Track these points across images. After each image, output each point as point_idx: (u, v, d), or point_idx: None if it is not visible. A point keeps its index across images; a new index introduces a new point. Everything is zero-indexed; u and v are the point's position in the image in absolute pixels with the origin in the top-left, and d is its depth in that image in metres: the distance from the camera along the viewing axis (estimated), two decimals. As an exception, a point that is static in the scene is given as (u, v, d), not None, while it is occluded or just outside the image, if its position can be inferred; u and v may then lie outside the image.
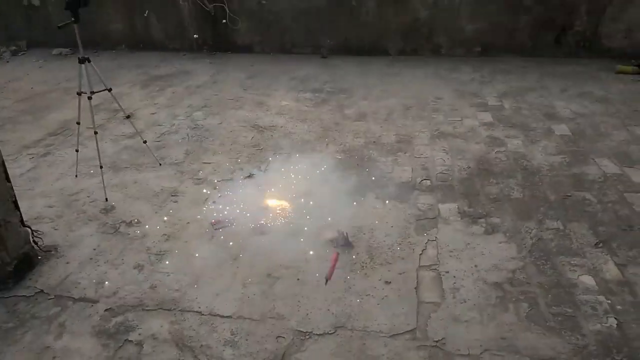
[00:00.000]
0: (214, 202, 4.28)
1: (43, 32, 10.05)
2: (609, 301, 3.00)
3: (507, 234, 3.63)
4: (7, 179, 3.38)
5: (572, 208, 3.93)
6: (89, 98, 4.38)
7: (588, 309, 2.95)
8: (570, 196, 4.09)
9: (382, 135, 5.37)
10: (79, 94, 4.54)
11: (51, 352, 2.89)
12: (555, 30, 7.53)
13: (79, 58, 4.35)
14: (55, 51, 10.07)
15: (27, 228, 3.60)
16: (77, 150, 4.86)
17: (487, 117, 5.73)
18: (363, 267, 3.39)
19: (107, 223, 4.10)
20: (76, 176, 4.93)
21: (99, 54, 9.11)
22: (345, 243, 3.54)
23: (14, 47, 10.27)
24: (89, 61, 4.38)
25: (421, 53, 8.14)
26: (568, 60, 7.47)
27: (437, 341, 2.79)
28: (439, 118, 5.77)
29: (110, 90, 4.57)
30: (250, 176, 4.64)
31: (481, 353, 2.70)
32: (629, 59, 7.09)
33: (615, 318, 2.87)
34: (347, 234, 3.59)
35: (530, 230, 3.67)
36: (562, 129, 5.34)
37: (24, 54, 10.09)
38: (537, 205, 3.99)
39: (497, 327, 2.86)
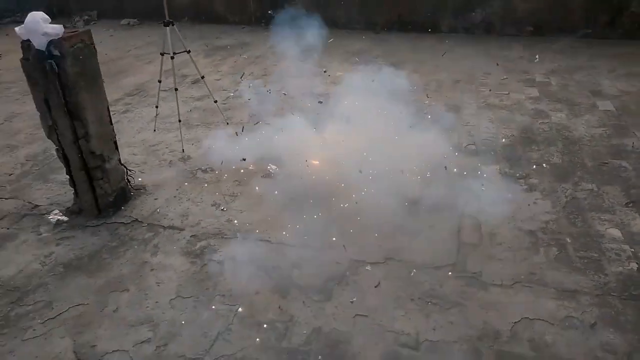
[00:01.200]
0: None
1: (112, 3, 10.81)
2: (633, 250, 3.36)
3: (544, 192, 4.00)
4: (110, 122, 3.99)
5: (607, 173, 4.25)
6: (172, 58, 4.96)
7: (612, 255, 3.32)
8: (607, 163, 4.40)
9: (432, 105, 5.74)
10: (162, 54, 5.12)
11: (149, 265, 3.49)
12: (611, 12, 7.62)
13: (164, 22, 4.91)
14: (123, 21, 10.82)
15: (123, 166, 4.22)
16: (156, 107, 5.45)
17: (534, 92, 6.02)
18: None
19: (185, 169, 4.69)
20: (155, 130, 5.54)
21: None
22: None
23: (86, 17, 11.07)
24: (173, 24, 4.94)
25: (472, 31, 8.38)
26: (621, 41, 7.57)
27: (474, 273, 3.23)
28: (486, 92, 6.09)
29: (189, 52, 5.13)
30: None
31: (512, 284, 3.13)
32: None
33: (636, 263, 3.24)
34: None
35: (565, 190, 4.02)
36: (606, 104, 5.58)
37: (95, 23, 10.85)
38: (574, 169, 4.32)
39: (528, 265, 3.28)
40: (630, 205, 3.81)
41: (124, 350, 2.83)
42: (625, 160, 4.44)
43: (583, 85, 6.17)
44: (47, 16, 3.47)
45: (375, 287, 3.14)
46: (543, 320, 2.86)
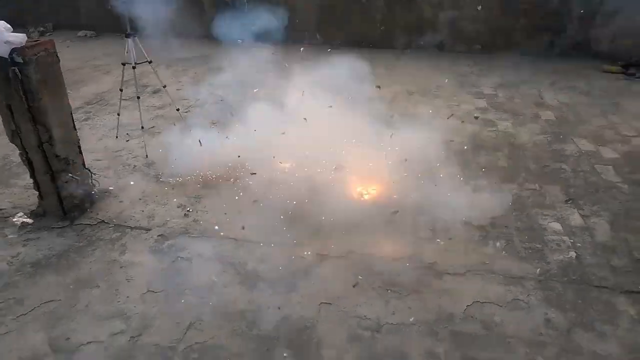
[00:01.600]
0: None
1: (68, 15, 10.74)
2: (572, 240, 3.69)
3: (492, 192, 4.31)
4: (74, 126, 4.05)
5: (549, 175, 4.62)
6: (133, 68, 5.06)
7: (554, 245, 3.64)
8: (548, 166, 4.78)
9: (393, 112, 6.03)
10: (124, 64, 5.20)
11: (118, 263, 3.56)
12: (550, 33, 8.21)
13: (125, 34, 5.01)
14: (80, 33, 10.74)
15: (87, 170, 4.27)
16: (118, 114, 5.52)
17: (482, 103, 6.42)
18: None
19: (149, 174, 4.77)
20: (117, 137, 5.58)
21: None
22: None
23: (41, 28, 10.92)
24: (135, 37, 5.05)
25: (425, 48, 8.82)
26: (560, 59, 8.14)
27: (430, 263, 3.47)
28: (439, 102, 6.45)
29: (150, 62, 5.24)
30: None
31: (464, 272, 3.39)
32: (615, 60, 7.77)
33: (575, 252, 3.57)
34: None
35: (511, 190, 4.35)
36: (547, 114, 6.03)
37: (50, 34, 10.72)
38: (519, 172, 4.67)
39: (479, 256, 3.55)
40: (570, 202, 4.17)
41: (99, 342, 2.91)
42: (565, 163, 4.83)
43: (527, 97, 6.62)
44: (9, 25, 3.52)
45: (354, 286, 3.30)
46: (492, 303, 3.12)
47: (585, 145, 5.20)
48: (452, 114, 5.94)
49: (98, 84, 7.46)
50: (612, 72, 7.46)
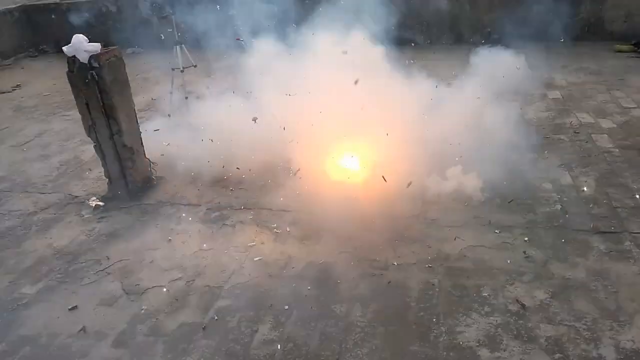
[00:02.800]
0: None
1: (120, 34, 11.84)
2: (559, 196, 4.23)
3: (494, 162, 4.84)
4: (137, 120, 4.89)
5: (548, 145, 5.13)
6: (182, 71, 5.91)
7: (542, 200, 4.19)
8: (548, 137, 5.28)
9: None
10: (173, 69, 6.06)
11: (175, 231, 4.34)
12: (563, 17, 8.59)
13: (175, 41, 5.86)
14: (129, 50, 11.82)
15: (148, 159, 5.10)
16: (169, 115, 6.36)
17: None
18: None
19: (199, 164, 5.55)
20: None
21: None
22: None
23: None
24: (182, 45, 5.90)
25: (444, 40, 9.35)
26: (574, 42, 8.50)
27: (433, 220, 4.09)
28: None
29: (195, 66, 6.07)
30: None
31: (461, 225, 3.99)
32: (629, 40, 8.10)
33: (560, 205, 4.10)
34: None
35: (511, 159, 4.88)
36: (555, 94, 6.51)
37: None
38: (520, 144, 5.18)
39: (477, 212, 4.14)
40: (563, 166, 4.69)
41: (161, 286, 3.67)
42: (565, 135, 5.33)
43: (538, 79, 7.07)
44: (86, 37, 4.40)
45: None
46: (483, 246, 3.72)
47: (586, 118, 5.67)
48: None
49: (149, 93, 8.38)
50: (624, 52, 7.80)
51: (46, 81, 9.65)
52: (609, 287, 3.22)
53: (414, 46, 8.26)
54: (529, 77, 6.99)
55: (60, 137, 6.87)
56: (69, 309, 3.52)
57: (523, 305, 3.12)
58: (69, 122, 7.42)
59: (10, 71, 10.96)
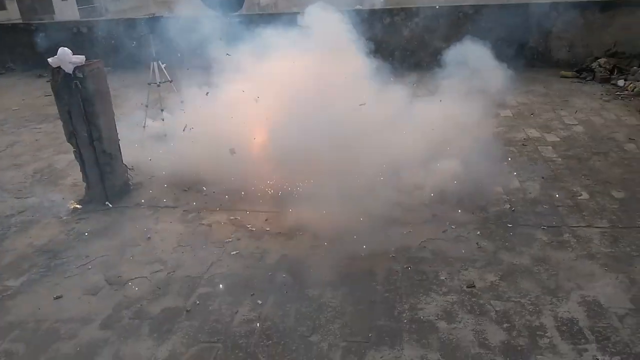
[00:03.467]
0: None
1: (90, 54, 11.98)
2: (508, 197, 4.69)
3: (450, 171, 5.29)
4: (115, 128, 5.13)
5: (500, 156, 5.61)
6: (158, 86, 6.18)
7: (494, 201, 4.64)
8: (500, 150, 5.79)
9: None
10: (149, 83, 6.33)
11: (153, 230, 4.57)
12: (514, 46, 9.33)
13: (152, 57, 6.16)
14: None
15: (125, 165, 5.32)
16: (144, 126, 6.60)
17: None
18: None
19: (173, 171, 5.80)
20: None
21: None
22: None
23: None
24: (158, 60, 6.20)
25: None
26: (524, 68, 9.21)
27: (396, 218, 4.46)
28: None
29: (171, 81, 6.37)
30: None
31: (423, 222, 4.37)
32: (572, 67, 8.87)
33: (509, 205, 4.56)
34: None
35: (467, 168, 5.33)
36: (506, 112, 7.09)
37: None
38: (475, 157, 5.65)
39: (434, 211, 4.54)
40: (512, 172, 5.18)
41: (143, 277, 3.89)
42: (514, 147, 5.85)
43: (490, 100, 7.65)
44: (70, 50, 4.65)
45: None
46: (441, 239, 4.11)
47: (533, 133, 6.23)
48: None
49: (120, 109, 8.57)
50: (568, 77, 8.54)
51: (14, 96, 9.72)
52: (550, 270, 3.65)
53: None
54: (484, 98, 7.60)
55: (33, 148, 6.98)
56: (54, 298, 3.69)
57: (473, 286, 3.50)
58: (41, 134, 7.55)
59: (-23, 86, 10.97)
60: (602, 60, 8.37)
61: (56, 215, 4.97)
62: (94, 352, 3.16)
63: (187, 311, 3.46)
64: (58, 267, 4.09)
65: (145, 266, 4.03)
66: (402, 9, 9.91)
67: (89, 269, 4.06)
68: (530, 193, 4.77)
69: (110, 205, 5.00)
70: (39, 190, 5.55)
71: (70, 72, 4.59)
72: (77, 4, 24.21)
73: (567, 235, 4.06)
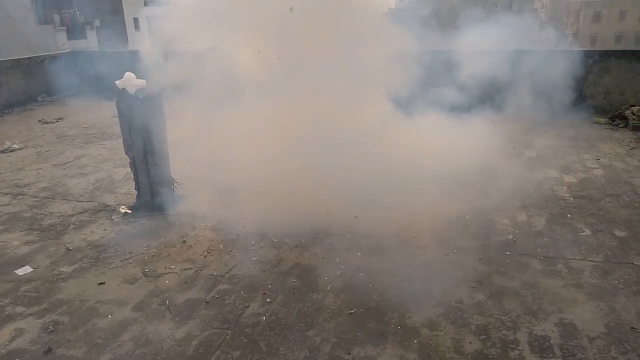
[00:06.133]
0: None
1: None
2: (513, 229, 5.01)
3: (464, 201, 5.67)
4: (166, 145, 5.84)
5: (515, 192, 5.93)
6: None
7: (499, 232, 4.97)
8: (516, 186, 6.10)
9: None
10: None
11: (189, 235, 5.19)
12: (549, 93, 9.58)
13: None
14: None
15: (172, 178, 6.01)
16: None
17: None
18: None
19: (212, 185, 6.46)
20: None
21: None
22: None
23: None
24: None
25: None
26: (559, 114, 9.44)
27: (405, 239, 4.88)
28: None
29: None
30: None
31: (426, 245, 4.76)
32: (607, 113, 9.03)
33: (512, 236, 4.88)
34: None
35: (480, 200, 5.70)
36: (531, 153, 7.38)
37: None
38: (491, 190, 6.02)
39: (439, 236, 4.92)
40: (522, 207, 5.49)
41: (174, 273, 4.48)
42: (531, 184, 6.15)
43: (520, 142, 7.97)
44: (134, 74, 5.44)
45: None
46: (441, 260, 4.48)
47: (551, 173, 6.51)
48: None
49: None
50: (601, 123, 8.71)
51: (85, 116, 10.84)
52: (536, 294, 3.96)
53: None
54: (513, 140, 7.94)
55: (96, 160, 7.88)
56: (98, 284, 4.34)
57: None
58: (105, 149, 8.47)
59: (53, 106, 12.29)
60: (635, 109, 8.51)
61: (109, 218, 5.70)
62: (124, 328, 3.74)
63: (207, 302, 4.00)
64: (105, 260, 4.75)
65: (178, 264, 4.62)
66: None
67: (130, 262, 4.70)
68: (535, 227, 5.07)
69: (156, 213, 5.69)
70: (97, 196, 6.34)
71: (133, 93, 5.36)
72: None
73: (561, 265, 4.35)
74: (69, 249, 4.96)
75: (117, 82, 5.42)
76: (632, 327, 3.54)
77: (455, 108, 7.97)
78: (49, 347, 3.54)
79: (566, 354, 3.31)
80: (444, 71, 8.64)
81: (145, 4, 25.74)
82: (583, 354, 3.31)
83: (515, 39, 9.18)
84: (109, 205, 6.03)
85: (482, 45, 8.93)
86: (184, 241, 5.07)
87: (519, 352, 3.35)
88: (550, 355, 3.31)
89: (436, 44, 10.00)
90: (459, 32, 9.51)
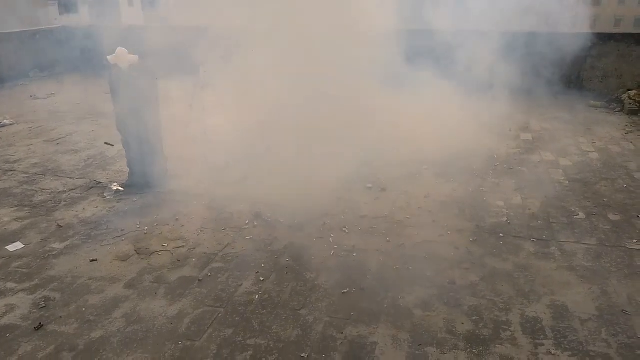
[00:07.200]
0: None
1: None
2: (507, 211, 5.00)
3: (460, 183, 5.66)
4: (159, 122, 5.76)
5: (510, 174, 5.92)
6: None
7: (493, 214, 4.96)
8: (512, 169, 6.09)
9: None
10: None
11: (182, 213, 5.14)
12: (547, 75, 9.53)
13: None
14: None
15: (165, 156, 5.94)
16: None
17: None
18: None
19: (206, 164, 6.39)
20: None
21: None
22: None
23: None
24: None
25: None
26: (556, 96, 9.42)
27: (399, 220, 4.86)
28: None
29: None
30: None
31: (421, 226, 4.75)
32: (603, 97, 9.00)
33: (506, 218, 4.87)
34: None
35: (475, 182, 5.68)
36: (527, 136, 7.35)
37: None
38: (486, 172, 6.00)
39: (437, 218, 4.90)
40: (518, 190, 5.48)
41: (167, 251, 4.45)
42: (526, 167, 6.13)
43: (516, 123, 7.94)
44: (126, 50, 5.33)
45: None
46: (435, 242, 4.47)
47: (548, 156, 6.49)
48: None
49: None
50: (597, 107, 8.68)
51: (78, 93, 10.68)
52: (529, 276, 3.96)
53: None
54: (510, 121, 7.90)
55: (89, 138, 7.78)
56: (90, 261, 4.30)
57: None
58: (97, 126, 8.36)
59: (46, 82, 12.10)
60: (632, 93, 8.47)
61: (101, 195, 5.64)
62: (116, 305, 3.72)
63: (199, 280, 3.98)
64: (97, 237, 4.71)
65: (170, 242, 4.59)
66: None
67: (123, 240, 4.66)
68: (529, 209, 5.06)
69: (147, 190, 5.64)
70: (89, 173, 6.27)
71: (126, 69, 5.26)
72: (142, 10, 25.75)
73: (554, 248, 4.35)
74: (60, 226, 4.91)
75: (108, 57, 5.31)
76: (623, 310, 3.56)
77: (453, 89, 7.89)
78: (40, 323, 3.51)
79: (558, 336, 3.32)
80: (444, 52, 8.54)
81: (139, -21, 25.28)
82: (574, 335, 3.33)
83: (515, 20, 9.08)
84: (100, 183, 5.97)
85: (482, 26, 8.81)
86: (177, 219, 5.03)
87: (510, 333, 3.36)
88: (542, 336, 3.32)
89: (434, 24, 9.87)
90: (456, 10, 9.40)
